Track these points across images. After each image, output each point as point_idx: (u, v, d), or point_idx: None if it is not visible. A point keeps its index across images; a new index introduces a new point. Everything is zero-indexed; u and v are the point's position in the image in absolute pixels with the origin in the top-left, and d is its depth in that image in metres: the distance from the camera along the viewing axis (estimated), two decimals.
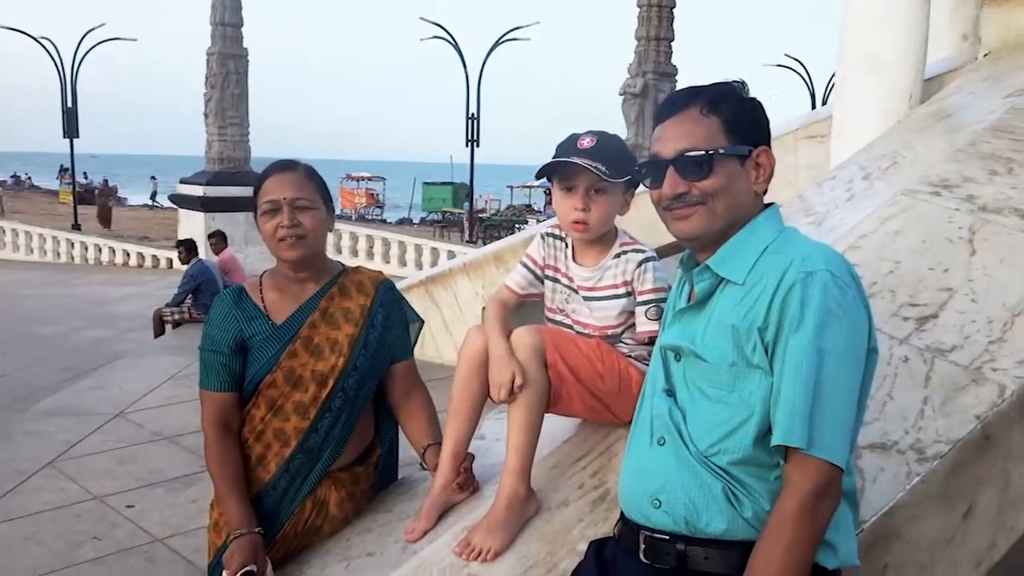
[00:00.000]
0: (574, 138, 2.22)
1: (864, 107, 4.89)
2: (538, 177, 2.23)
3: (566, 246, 2.36)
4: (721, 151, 1.69)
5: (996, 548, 2.20)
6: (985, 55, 5.29)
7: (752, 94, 1.78)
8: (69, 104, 27.32)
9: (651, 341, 2.17)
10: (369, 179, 48.54)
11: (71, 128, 27.28)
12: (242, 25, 20.57)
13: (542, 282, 2.40)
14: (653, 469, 1.71)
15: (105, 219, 29.19)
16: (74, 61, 27.79)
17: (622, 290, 2.25)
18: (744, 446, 1.62)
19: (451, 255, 16.71)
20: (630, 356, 2.29)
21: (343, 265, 2.67)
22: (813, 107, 30.89)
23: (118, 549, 4.32)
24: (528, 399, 2.12)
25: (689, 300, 1.79)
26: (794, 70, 33.58)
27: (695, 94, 1.74)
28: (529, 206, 39.93)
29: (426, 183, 44.57)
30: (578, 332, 2.32)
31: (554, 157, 2.21)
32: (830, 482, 1.52)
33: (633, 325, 2.27)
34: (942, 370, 2.25)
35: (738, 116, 1.72)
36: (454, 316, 8.15)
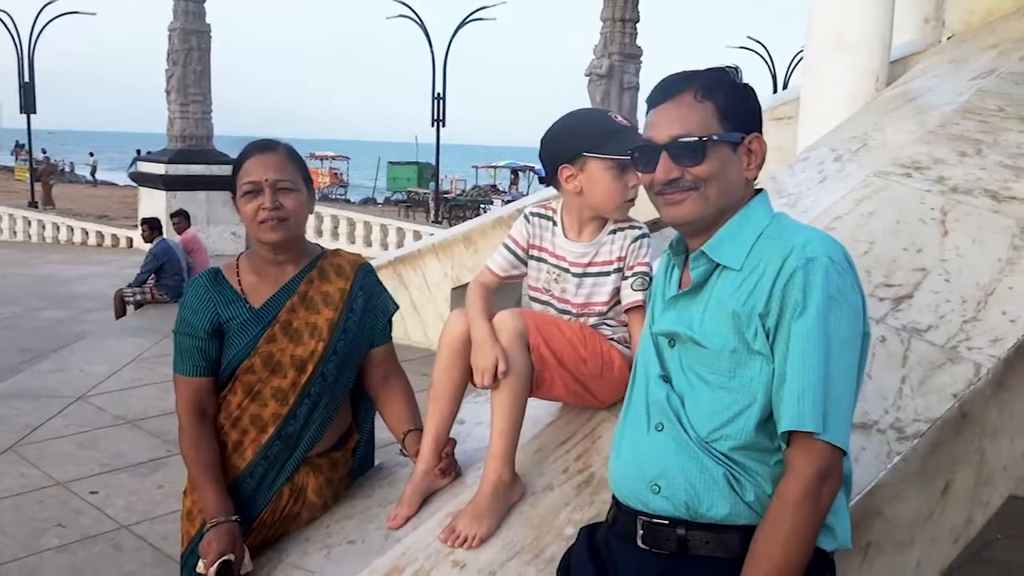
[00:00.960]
0: (609, 118, 2.26)
1: (831, 89, 4.92)
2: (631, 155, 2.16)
3: (554, 224, 2.34)
4: (715, 137, 1.68)
5: (972, 524, 2.23)
6: (949, 38, 5.34)
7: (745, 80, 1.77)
8: (26, 79, 26.72)
9: (630, 313, 2.22)
10: (333, 158, 48.19)
11: (28, 103, 26.67)
12: (205, 0, 20.22)
13: (525, 263, 2.38)
14: (651, 455, 1.70)
15: (46, 197, 28.65)
16: (31, 35, 27.16)
17: (615, 266, 2.26)
18: (746, 432, 1.62)
19: (417, 236, 16.64)
20: (612, 339, 2.29)
21: (322, 248, 2.62)
22: (775, 90, 31.07)
23: (83, 536, 4.25)
24: (511, 383, 2.11)
25: (680, 286, 1.78)
26: (757, 52, 33.72)
27: (689, 79, 1.73)
28: (494, 186, 39.81)
29: (391, 163, 44.34)
30: (561, 311, 2.31)
31: (599, 135, 2.20)
32: (833, 466, 1.54)
33: (618, 304, 2.27)
34: (919, 349, 2.27)
35: (732, 102, 1.72)
36: (422, 297, 8.12)
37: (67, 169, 48.03)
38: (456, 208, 30.43)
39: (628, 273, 2.25)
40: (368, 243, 18.09)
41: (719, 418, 1.64)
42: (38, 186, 28.44)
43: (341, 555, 2.32)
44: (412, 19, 26.63)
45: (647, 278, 2.21)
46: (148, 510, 4.55)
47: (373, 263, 8.93)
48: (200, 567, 2.25)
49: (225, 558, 2.22)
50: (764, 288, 1.61)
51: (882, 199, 2.99)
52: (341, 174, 46.48)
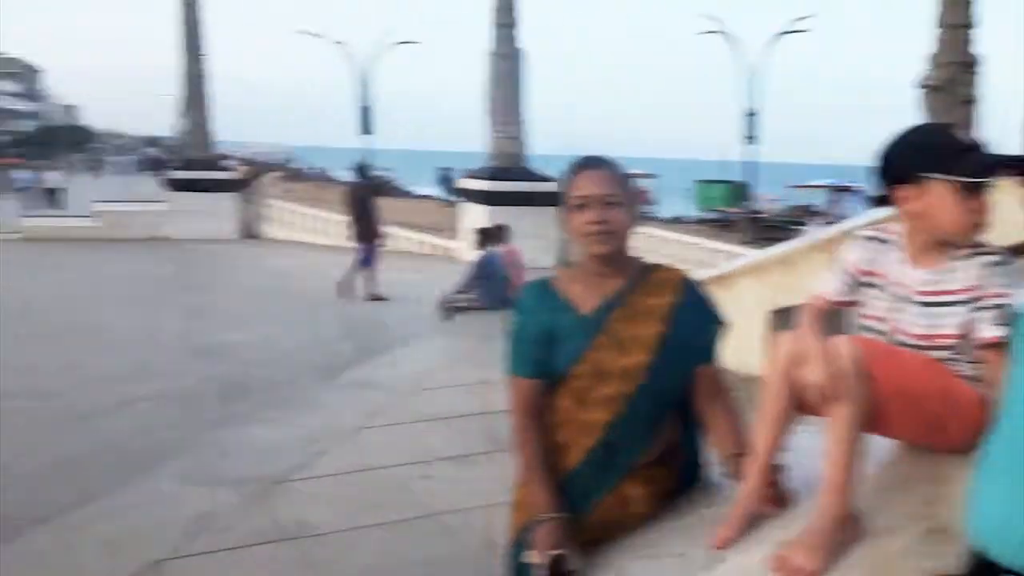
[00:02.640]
0: (955, 134, 2.12)
1: None
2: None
3: (893, 248, 2.17)
4: None
5: None
6: None
7: None
8: (364, 103, 29.52)
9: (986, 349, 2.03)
10: (641, 176, 48.55)
11: (366, 125, 29.45)
12: (517, 26, 21.20)
13: (860, 289, 2.22)
14: None
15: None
16: (367, 64, 29.97)
17: (966, 296, 2.06)
18: None
19: (729, 256, 16.33)
20: (963, 375, 2.06)
21: (647, 262, 2.66)
22: None
23: (410, 516, 4.55)
24: (847, 412, 2.00)
25: None
26: None
27: None
28: (807, 207, 38.05)
29: (701, 181, 43.87)
30: (900, 343, 2.12)
31: (946, 154, 2.06)
32: None
33: (965, 338, 2.05)
34: None
35: None
36: (736, 319, 7.89)
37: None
38: (770, 229, 29.50)
39: (982, 304, 2.03)
40: (677, 263, 17.99)
41: None
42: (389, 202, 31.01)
43: (668, 566, 2.33)
44: (723, 33, 26.25)
45: (1007, 311, 1.98)
46: (461, 501, 4.77)
47: None
48: (531, 557, 2.35)
49: (560, 551, 2.31)
50: None
51: None
52: (649, 192, 46.71)
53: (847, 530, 2.00)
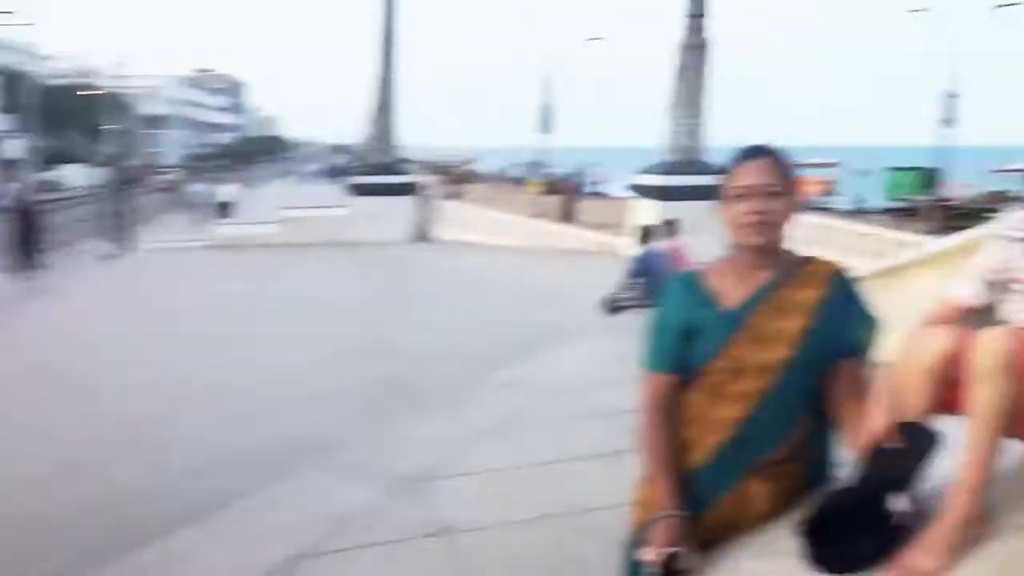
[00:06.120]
0: None
1: None
2: None
3: None
4: None
5: None
6: None
7: None
8: (546, 102, 29.93)
9: None
10: (819, 165, 46.74)
11: (545, 124, 29.85)
12: (704, 15, 20.82)
13: (995, 291, 2.08)
14: None
15: (568, 212, 30.95)
16: (551, 61, 30.32)
17: None
18: None
19: (907, 246, 15.45)
20: None
21: (801, 255, 2.56)
22: None
23: (544, 515, 4.56)
24: (990, 409, 1.88)
25: None
26: None
27: None
28: (1003, 193, 35.16)
29: (891, 168, 41.71)
30: None
31: None
32: None
33: None
34: None
35: None
36: (906, 314, 7.45)
37: (589, 185, 48.58)
38: (960, 217, 27.63)
39: None
40: (856, 253, 17.20)
41: None
42: (559, 200, 31.20)
43: (779, 565, 2.23)
44: (928, 11, 24.72)
45: None
46: (610, 498, 4.75)
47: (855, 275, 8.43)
48: (645, 554, 2.31)
49: (673, 550, 2.27)
50: None
51: None
52: (831, 181, 44.83)
53: (977, 530, 1.88)
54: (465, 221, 25.52)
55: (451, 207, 26.51)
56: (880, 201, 39.31)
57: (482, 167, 64.37)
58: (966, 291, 2.16)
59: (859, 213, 36.40)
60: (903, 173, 40.02)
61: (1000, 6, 24.15)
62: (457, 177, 46.97)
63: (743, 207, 2.37)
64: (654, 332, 2.54)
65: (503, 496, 4.85)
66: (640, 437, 2.52)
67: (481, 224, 25.13)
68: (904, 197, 35.07)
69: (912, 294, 7.48)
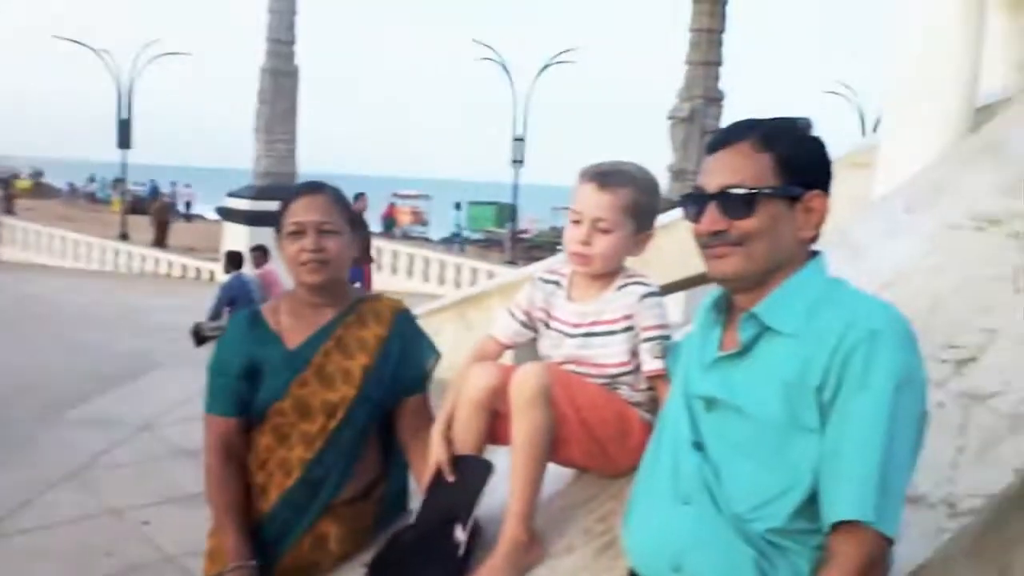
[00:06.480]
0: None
1: (911, 136, 4.71)
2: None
3: (559, 288, 2.24)
4: (767, 191, 1.56)
5: None
6: None
7: (815, 133, 1.65)
8: (124, 115, 27.93)
9: (653, 380, 2.10)
10: (414, 197, 48.88)
11: (124, 139, 27.88)
12: (295, 42, 20.87)
13: (530, 329, 2.27)
14: (675, 529, 1.58)
15: (161, 236, 28.91)
16: (131, 74, 28.41)
17: (622, 324, 2.12)
18: (785, 515, 1.49)
19: (490, 275, 16.69)
20: (630, 402, 2.16)
21: (363, 292, 2.59)
22: (863, 135, 30.51)
23: (129, 566, 4.27)
24: (533, 439, 2.01)
25: (722, 347, 1.65)
26: (845, 97, 33.18)
27: (751, 127, 1.62)
28: (562, 229, 39.23)
29: (472, 202, 44.70)
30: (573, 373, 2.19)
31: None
32: (881, 556, 1.43)
33: (635, 368, 2.14)
34: (979, 418, 2.10)
35: (794, 155, 1.59)
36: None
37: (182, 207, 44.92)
38: (534, 249, 30.48)
39: (644, 335, 2.11)
40: (442, 281, 18.21)
41: (758, 497, 1.51)
42: (147, 222, 29.04)
43: None
44: (495, 61, 27.04)
45: (664, 343, 2.09)
46: (196, 542, 4.55)
47: (439, 303, 8.91)
48: None
49: None
50: (821, 359, 1.48)
51: (951, 254, 2.82)
52: (422, 212, 47.03)
53: (528, 555, 2.01)
54: (34, 241, 23.08)
55: (15, 225, 23.83)
56: (468, 233, 42.02)
57: (52, 181, 58.33)
58: (504, 328, 2.29)
59: (450, 243, 38.57)
60: (484, 207, 43.19)
61: (550, 64, 27.14)
62: (20, 191, 42.45)
63: (298, 245, 2.34)
64: (214, 373, 2.43)
65: (80, 550, 4.44)
66: (206, 484, 2.40)
67: (55, 245, 22.89)
68: (486, 229, 37.84)
69: (487, 319, 8.10)
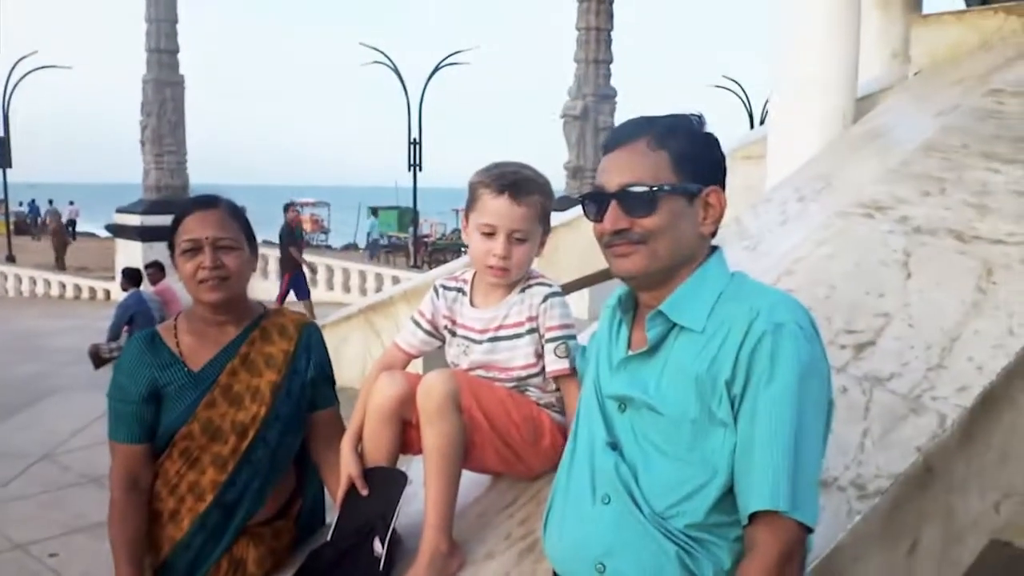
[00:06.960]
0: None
1: (798, 127, 4.88)
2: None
3: (462, 295, 2.23)
4: (666, 188, 1.58)
5: None
6: (915, 73, 5.33)
7: (708, 129, 1.67)
8: (1, 133, 26.72)
9: (559, 380, 2.12)
10: (313, 204, 48.12)
11: (3, 157, 26.65)
12: (178, 52, 20.31)
13: (439, 337, 2.27)
14: (596, 530, 1.58)
15: (58, 257, 27.61)
16: (5, 89, 27.19)
17: (527, 327, 2.13)
18: (704, 510, 1.52)
19: (395, 280, 16.56)
20: (539, 404, 2.18)
21: (264, 307, 2.50)
22: (752, 128, 31.36)
23: None
24: (444, 447, 2.00)
25: (631, 345, 1.67)
26: (733, 91, 34.04)
27: (645, 125, 1.64)
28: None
29: (375, 208, 44.29)
30: (481, 377, 2.19)
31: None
32: (800, 543, 1.46)
33: (541, 369, 2.16)
34: (881, 400, 2.19)
35: (689, 151, 1.62)
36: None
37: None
38: (437, 252, 30.35)
39: (548, 336, 2.12)
40: (347, 289, 18.00)
41: (676, 493, 1.53)
42: (40, 244, 27.76)
43: None
44: (386, 65, 26.80)
45: (569, 343, 2.10)
46: (106, 572, 4.39)
47: (346, 311, 8.79)
48: None
49: None
50: (729, 353, 1.51)
51: (842, 241, 2.93)
52: (322, 220, 46.37)
53: (448, 564, 2.00)
54: None
55: None
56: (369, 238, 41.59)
57: None
58: (410, 337, 2.27)
59: (351, 249, 38.09)
60: (386, 212, 42.79)
61: (445, 64, 27.09)
62: None
63: (195, 262, 2.25)
64: (115, 399, 2.32)
65: None
66: (108, 518, 2.32)
67: None
68: (389, 234, 37.51)
69: (394, 326, 8.05)
